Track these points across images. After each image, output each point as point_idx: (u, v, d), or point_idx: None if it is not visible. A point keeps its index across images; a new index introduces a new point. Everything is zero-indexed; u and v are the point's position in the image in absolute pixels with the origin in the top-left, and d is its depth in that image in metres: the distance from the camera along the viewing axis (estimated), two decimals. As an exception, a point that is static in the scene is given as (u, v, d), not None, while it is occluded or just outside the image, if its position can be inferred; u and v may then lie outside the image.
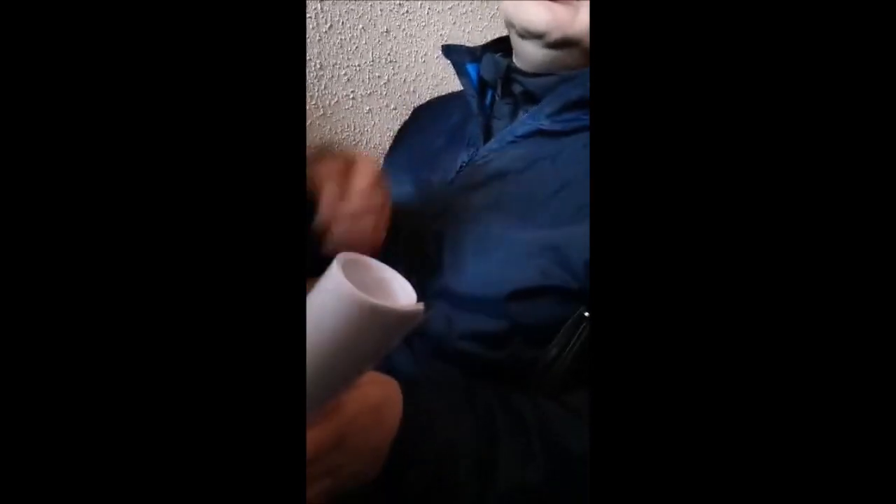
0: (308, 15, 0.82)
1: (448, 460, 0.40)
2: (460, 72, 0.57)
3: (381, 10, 0.88)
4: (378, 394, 0.39)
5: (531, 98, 0.53)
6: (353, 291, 0.29)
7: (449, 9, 0.94)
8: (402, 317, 0.30)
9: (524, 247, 0.46)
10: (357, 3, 0.85)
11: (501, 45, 0.57)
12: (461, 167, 0.55)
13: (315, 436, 0.34)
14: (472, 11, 0.94)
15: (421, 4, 0.91)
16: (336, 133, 0.74)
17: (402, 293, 0.33)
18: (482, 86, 0.56)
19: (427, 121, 0.66)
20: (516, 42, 0.53)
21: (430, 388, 0.42)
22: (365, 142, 0.89)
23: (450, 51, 0.58)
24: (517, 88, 0.53)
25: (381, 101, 0.89)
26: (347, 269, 0.30)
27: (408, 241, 0.52)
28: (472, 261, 0.49)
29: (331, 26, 0.85)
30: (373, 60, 0.89)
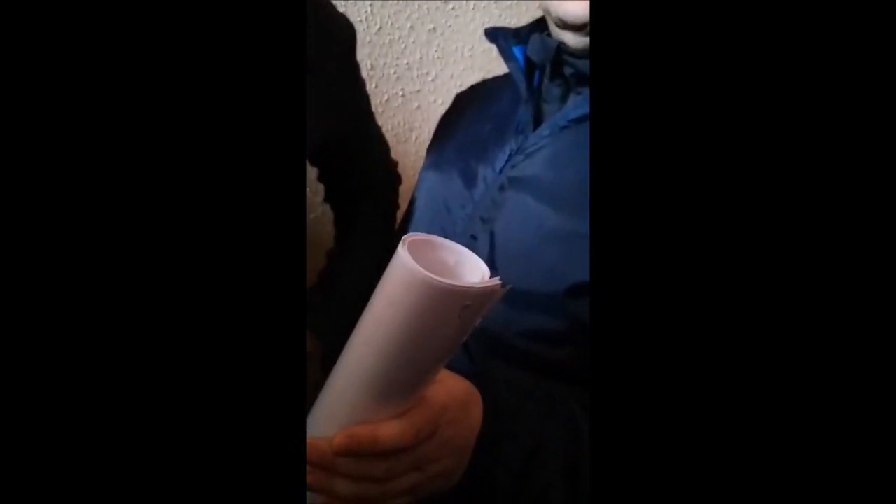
0: (358, 18, 0.83)
1: (537, 460, 0.38)
2: (506, 55, 0.55)
3: (427, 9, 0.89)
4: (461, 388, 0.37)
5: (583, 80, 0.50)
6: (421, 274, 0.27)
7: (494, 4, 0.94)
8: (476, 296, 0.29)
9: (581, 240, 0.44)
10: (406, 2, 0.87)
11: (546, 25, 0.54)
12: (510, 155, 0.53)
13: (405, 425, 0.32)
14: (516, 5, 0.94)
15: (467, 2, 0.92)
16: (387, 130, 0.76)
17: (475, 272, 0.32)
18: (529, 68, 0.54)
19: (471, 107, 0.63)
20: (555, 30, 0.51)
21: (504, 388, 0.41)
22: (414, 137, 0.89)
23: (495, 34, 0.56)
24: (568, 70, 0.51)
25: (430, 97, 0.90)
26: (414, 251, 0.29)
27: (458, 237, 0.50)
28: (527, 256, 0.47)
29: (380, 28, 0.86)
30: (421, 58, 0.90)
